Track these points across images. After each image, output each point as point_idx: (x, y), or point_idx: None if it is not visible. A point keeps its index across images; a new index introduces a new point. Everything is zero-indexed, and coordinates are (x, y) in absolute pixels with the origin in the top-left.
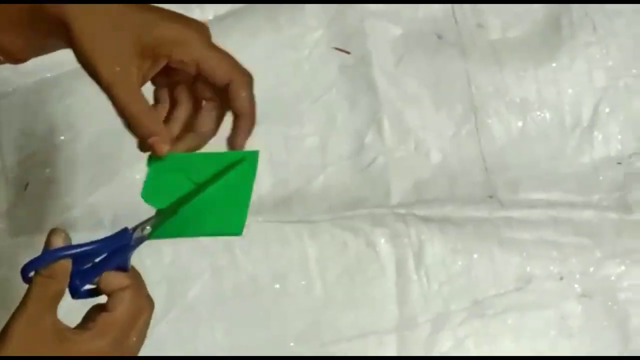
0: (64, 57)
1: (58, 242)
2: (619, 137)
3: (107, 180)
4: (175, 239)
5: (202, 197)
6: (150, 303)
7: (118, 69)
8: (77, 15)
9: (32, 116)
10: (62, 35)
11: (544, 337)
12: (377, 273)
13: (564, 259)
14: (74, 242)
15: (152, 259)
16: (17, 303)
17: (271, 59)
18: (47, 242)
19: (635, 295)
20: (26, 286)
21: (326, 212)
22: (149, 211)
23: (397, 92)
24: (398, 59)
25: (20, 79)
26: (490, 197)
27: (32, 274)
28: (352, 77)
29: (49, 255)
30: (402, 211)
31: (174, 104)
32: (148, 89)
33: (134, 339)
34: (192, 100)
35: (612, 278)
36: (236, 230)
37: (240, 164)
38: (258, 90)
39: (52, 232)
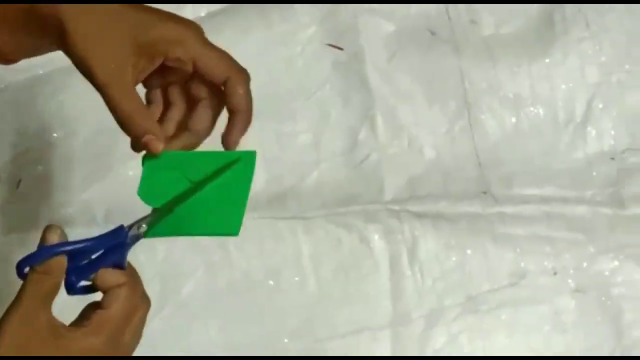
0: (56, 54)
1: (53, 239)
2: (612, 132)
3: (100, 177)
4: None
5: (199, 197)
6: (146, 301)
7: (113, 68)
8: (72, 15)
9: (25, 113)
10: (56, 35)
11: (538, 332)
12: (371, 269)
13: (558, 254)
14: (68, 239)
15: (145, 255)
16: (9, 300)
17: (263, 56)
18: (43, 238)
19: (629, 291)
20: (19, 283)
21: (320, 208)
22: (142, 208)
23: (390, 89)
24: (391, 55)
25: (12, 76)
26: (484, 192)
27: (27, 269)
28: (345, 74)
29: (44, 252)
30: (396, 207)
31: (167, 106)
32: (141, 91)
33: (129, 336)
34: (186, 100)
35: (606, 273)
36: (233, 230)
37: (237, 164)
38: (251, 87)
39: (48, 229)
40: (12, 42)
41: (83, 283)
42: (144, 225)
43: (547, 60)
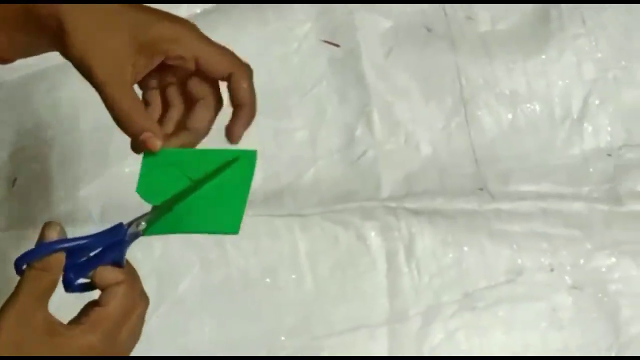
0: None
1: (52, 235)
2: (609, 128)
3: (96, 174)
4: None
5: (198, 195)
6: (144, 299)
7: (113, 67)
8: (71, 16)
9: (20, 111)
10: (55, 35)
11: (535, 329)
12: (368, 266)
13: (555, 250)
14: (67, 235)
15: (142, 252)
16: (5, 297)
17: (260, 53)
18: (42, 235)
19: (626, 287)
20: (17, 280)
21: (317, 205)
22: (138, 205)
23: (386, 85)
24: (387, 51)
25: (6, 73)
26: (481, 189)
27: (25, 266)
28: (341, 70)
29: (43, 248)
30: (393, 204)
31: (165, 107)
32: (140, 93)
33: (127, 334)
34: (184, 101)
35: (603, 270)
36: (232, 229)
37: (237, 163)
38: None
39: (47, 225)
40: (10, 42)
41: (81, 280)
42: (143, 223)
43: (543, 57)
